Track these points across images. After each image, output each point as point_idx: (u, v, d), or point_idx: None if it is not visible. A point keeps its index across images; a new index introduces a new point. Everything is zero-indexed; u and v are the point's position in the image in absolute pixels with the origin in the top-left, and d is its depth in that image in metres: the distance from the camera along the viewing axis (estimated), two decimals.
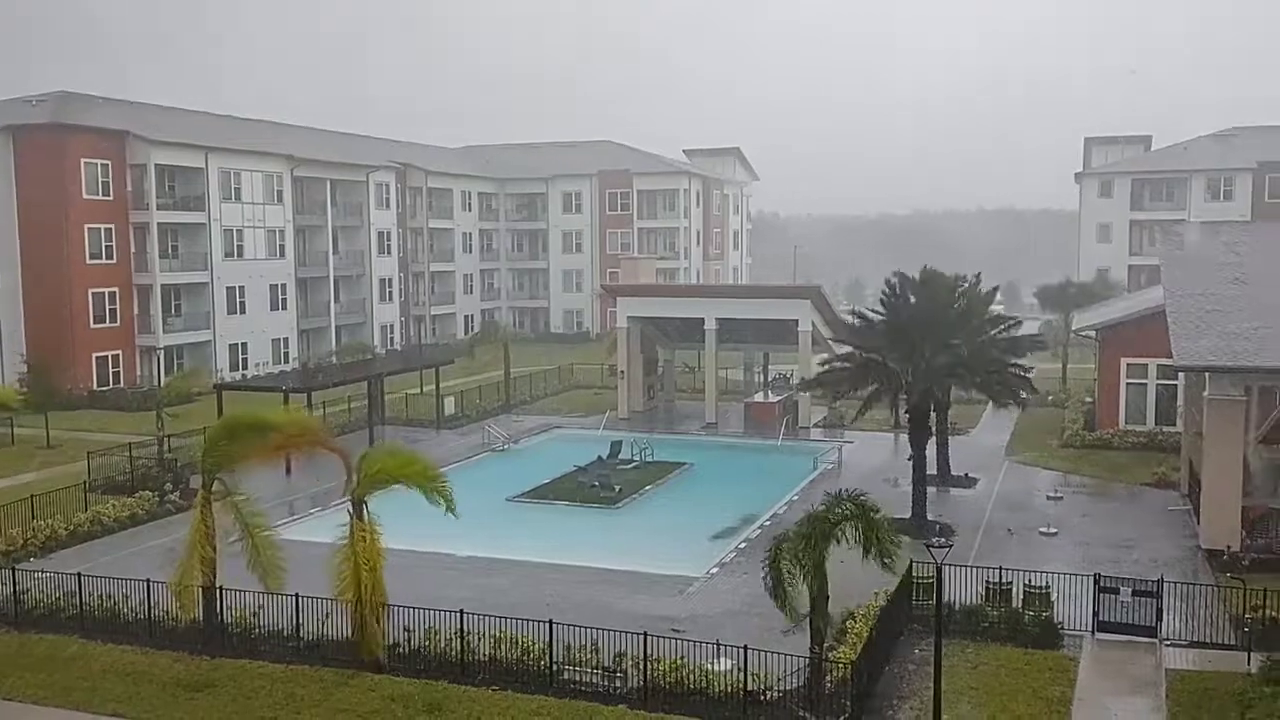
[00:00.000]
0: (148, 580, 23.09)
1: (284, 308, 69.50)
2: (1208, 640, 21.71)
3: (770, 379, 55.82)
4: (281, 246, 69.39)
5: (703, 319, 49.16)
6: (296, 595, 21.92)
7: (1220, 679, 20.00)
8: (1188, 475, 33.53)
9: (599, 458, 40.52)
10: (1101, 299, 56.99)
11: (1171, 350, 28.23)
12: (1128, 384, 43.16)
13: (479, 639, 21.05)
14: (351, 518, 21.40)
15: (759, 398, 51.79)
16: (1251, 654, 20.40)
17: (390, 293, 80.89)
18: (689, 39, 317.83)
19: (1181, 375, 34.85)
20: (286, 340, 69.49)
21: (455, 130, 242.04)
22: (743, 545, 29.86)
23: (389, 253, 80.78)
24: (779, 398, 50.65)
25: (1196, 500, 30.06)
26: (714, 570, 27.59)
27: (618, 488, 36.23)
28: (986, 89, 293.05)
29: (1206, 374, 28.22)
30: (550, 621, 20.52)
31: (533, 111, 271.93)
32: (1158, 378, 42.12)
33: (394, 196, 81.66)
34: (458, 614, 21.07)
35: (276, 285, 68.86)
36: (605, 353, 59.71)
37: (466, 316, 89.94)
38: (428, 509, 21.60)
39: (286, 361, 68.10)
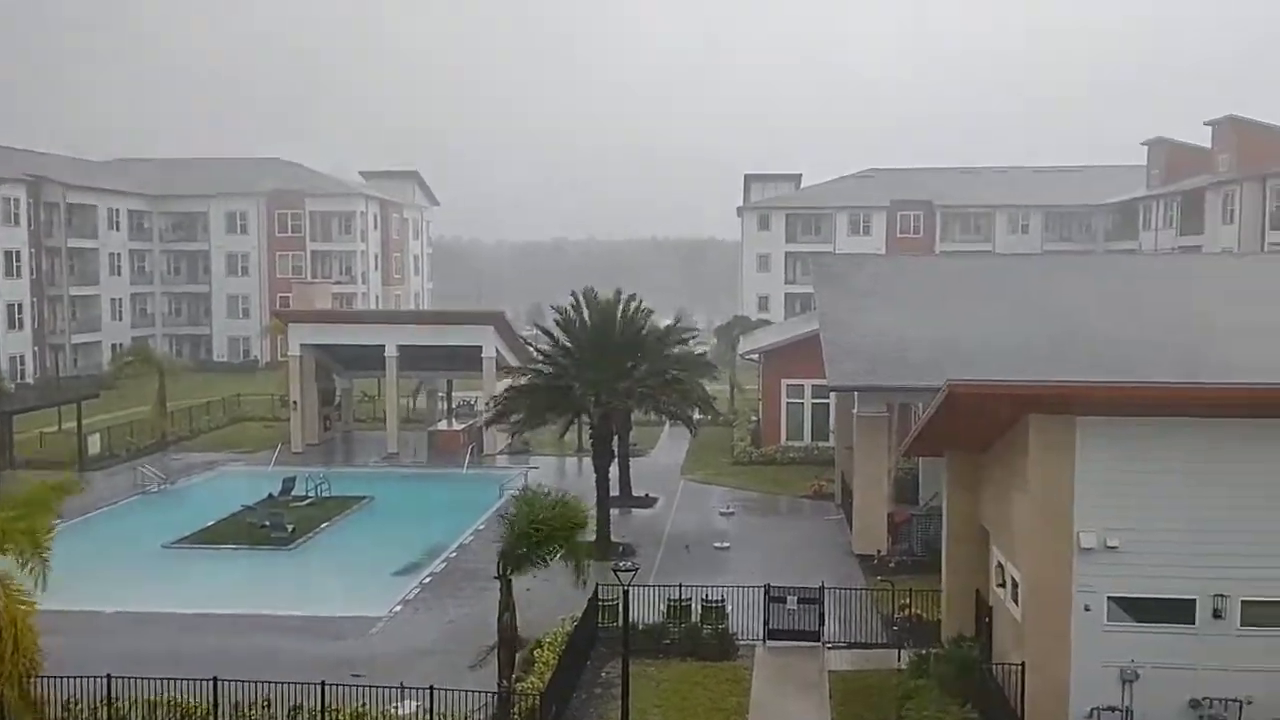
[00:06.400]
0: None
1: None
2: (863, 640, 23.50)
3: (454, 406, 55.03)
4: None
5: (383, 346, 47.68)
6: None
7: (876, 676, 21.67)
8: (840, 486, 36.45)
9: (270, 495, 38.05)
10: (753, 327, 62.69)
11: (825, 372, 30.63)
12: (788, 403, 46.48)
13: (130, 705, 18.90)
14: None
15: (443, 425, 50.88)
16: (901, 650, 22.29)
17: (20, 319, 72.00)
18: (359, 58, 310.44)
19: (833, 394, 37.84)
20: None
21: (99, 142, 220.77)
22: (428, 580, 29.00)
23: (18, 275, 71.99)
24: (463, 425, 50.00)
25: (849, 509, 32.69)
26: (398, 608, 26.56)
27: (291, 527, 34.07)
28: (655, 114, 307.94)
29: (855, 393, 30.83)
30: (215, 679, 18.77)
31: (192, 125, 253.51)
32: (813, 397, 45.67)
33: (25, 212, 72.93)
34: (104, 679, 18.78)
35: None
36: (277, 383, 56.38)
37: (115, 344, 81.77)
38: (65, 560, 19.15)
39: None
